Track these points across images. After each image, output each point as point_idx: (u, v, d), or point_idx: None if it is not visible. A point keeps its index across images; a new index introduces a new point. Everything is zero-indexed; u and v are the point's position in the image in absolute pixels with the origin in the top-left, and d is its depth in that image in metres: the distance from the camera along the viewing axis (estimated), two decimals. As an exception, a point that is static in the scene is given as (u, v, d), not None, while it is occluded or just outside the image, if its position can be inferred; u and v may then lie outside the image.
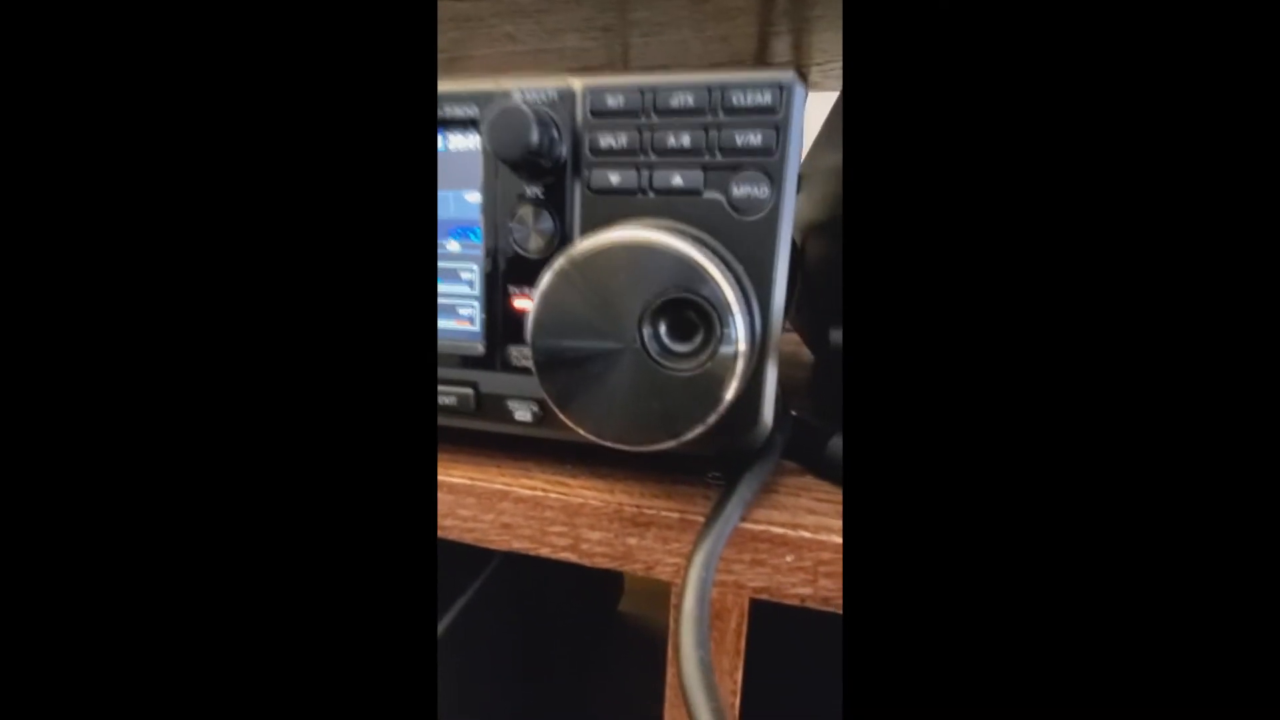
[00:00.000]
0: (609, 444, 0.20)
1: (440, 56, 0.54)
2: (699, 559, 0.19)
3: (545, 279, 0.19)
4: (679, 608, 0.18)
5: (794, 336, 0.51)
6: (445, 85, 0.22)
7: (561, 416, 0.20)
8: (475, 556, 0.38)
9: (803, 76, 0.19)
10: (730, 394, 0.18)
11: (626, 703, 0.57)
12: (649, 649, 0.67)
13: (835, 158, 0.33)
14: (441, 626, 0.31)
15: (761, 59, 0.55)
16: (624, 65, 0.59)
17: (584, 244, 0.18)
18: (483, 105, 0.22)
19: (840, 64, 0.51)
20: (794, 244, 0.20)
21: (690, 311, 0.18)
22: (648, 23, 0.51)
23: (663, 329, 0.18)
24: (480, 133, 0.22)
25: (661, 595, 0.23)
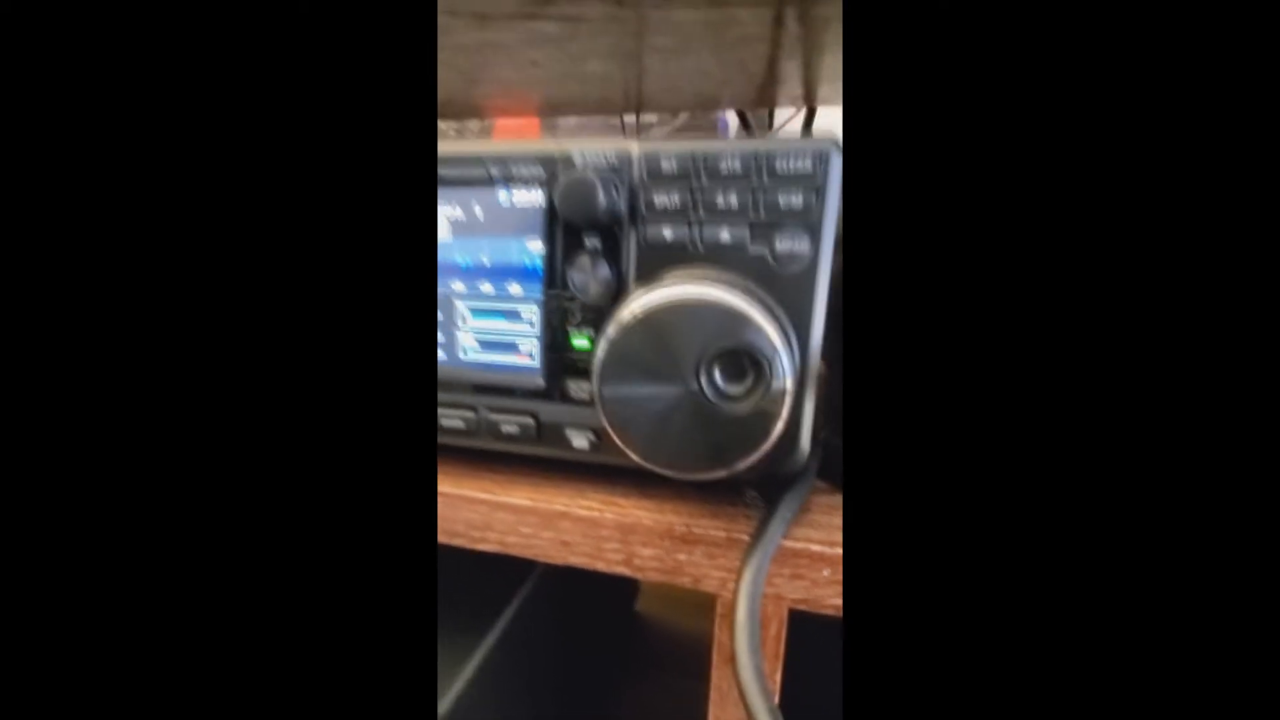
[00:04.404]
0: (665, 473, 0.22)
1: (462, 78, 0.57)
2: (749, 575, 0.21)
3: (612, 328, 0.21)
4: (730, 618, 0.21)
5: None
6: (511, 147, 0.25)
7: (626, 450, 0.22)
8: (513, 570, 0.41)
9: (839, 146, 0.21)
10: (779, 428, 0.21)
11: (652, 703, 0.60)
12: (670, 649, 0.69)
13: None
14: (494, 638, 0.34)
15: (773, 78, 0.57)
16: (639, 85, 0.61)
17: (648, 298, 0.21)
18: (546, 166, 0.24)
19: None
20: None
21: (743, 356, 0.21)
22: (668, 49, 0.53)
23: (717, 373, 0.21)
24: (542, 188, 0.24)
25: (676, 596, 0.25)
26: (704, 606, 0.26)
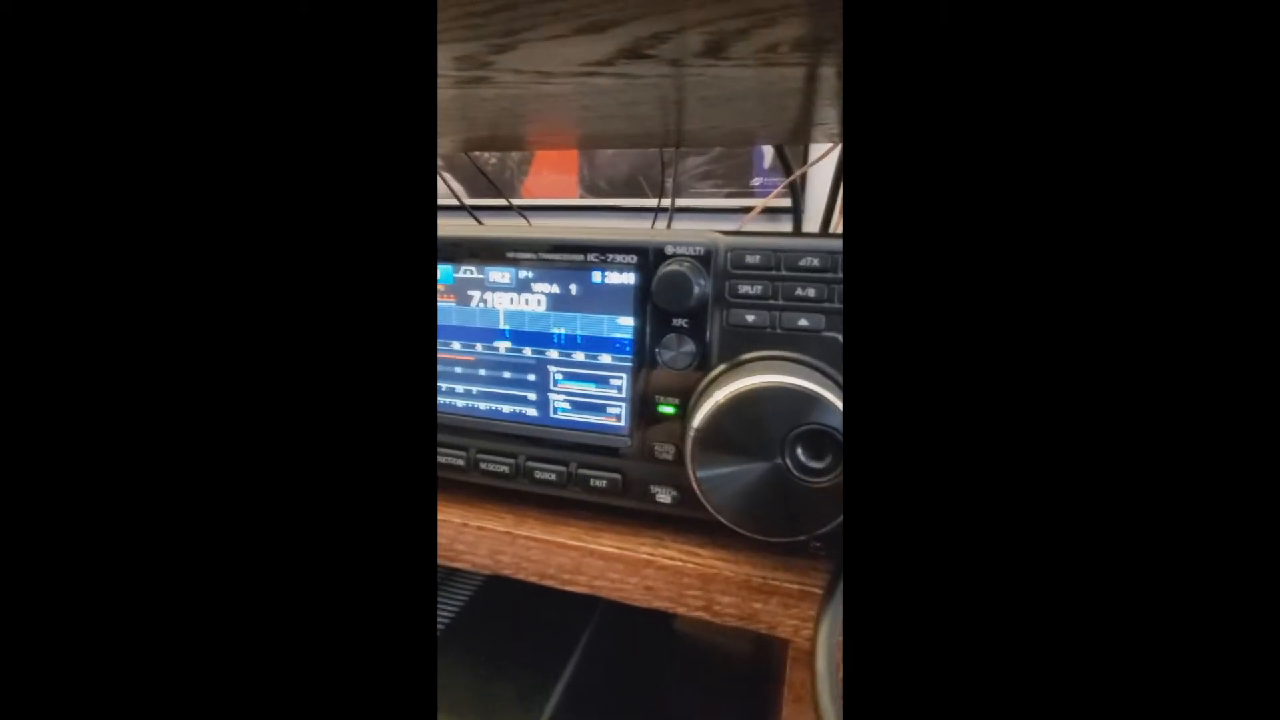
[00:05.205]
0: (751, 535, 0.25)
1: (511, 116, 0.60)
2: (824, 630, 0.24)
3: (705, 409, 0.24)
4: (811, 670, 0.23)
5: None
6: (608, 236, 0.27)
7: (717, 515, 0.25)
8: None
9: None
10: (852, 498, 0.23)
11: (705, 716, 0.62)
12: (711, 664, 0.71)
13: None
14: (570, 671, 0.37)
15: (810, 120, 0.60)
16: (680, 124, 0.64)
17: (736, 385, 0.23)
18: (639, 254, 0.27)
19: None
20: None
21: (823, 435, 0.23)
22: (717, 98, 0.56)
23: (800, 451, 0.23)
24: (634, 272, 0.27)
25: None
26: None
